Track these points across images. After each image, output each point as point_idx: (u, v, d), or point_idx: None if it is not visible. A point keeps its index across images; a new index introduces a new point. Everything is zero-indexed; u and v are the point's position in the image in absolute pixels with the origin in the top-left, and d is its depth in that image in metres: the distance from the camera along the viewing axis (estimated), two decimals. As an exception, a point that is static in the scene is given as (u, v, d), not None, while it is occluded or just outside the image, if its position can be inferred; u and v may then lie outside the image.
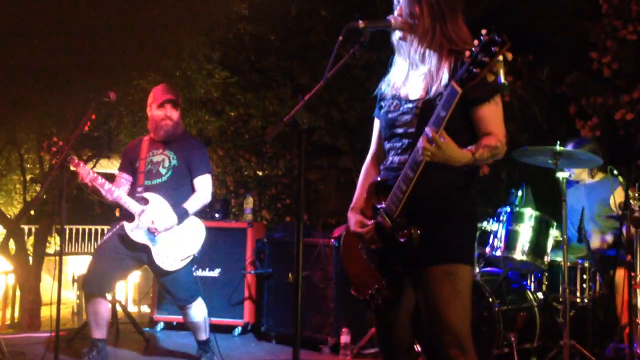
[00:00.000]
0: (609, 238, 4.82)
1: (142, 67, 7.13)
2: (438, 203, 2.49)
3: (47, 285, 8.49)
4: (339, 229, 5.64)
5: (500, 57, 2.14)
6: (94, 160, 8.76)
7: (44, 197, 8.41)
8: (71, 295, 8.65)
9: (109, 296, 4.67)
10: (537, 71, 6.92)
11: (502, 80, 2.19)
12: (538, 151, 4.46)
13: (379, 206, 2.55)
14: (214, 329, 4.85)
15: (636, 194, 4.20)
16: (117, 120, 7.93)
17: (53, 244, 11.41)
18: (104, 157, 9.20)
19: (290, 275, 5.63)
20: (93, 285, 4.42)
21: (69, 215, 3.92)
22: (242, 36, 7.96)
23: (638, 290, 4.15)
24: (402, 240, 2.43)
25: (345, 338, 5.15)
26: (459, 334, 2.39)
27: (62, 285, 4.04)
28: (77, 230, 14.96)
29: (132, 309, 7.92)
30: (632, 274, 4.17)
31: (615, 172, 4.42)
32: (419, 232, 2.42)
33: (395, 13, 2.58)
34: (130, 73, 7.08)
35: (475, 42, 2.15)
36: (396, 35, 2.60)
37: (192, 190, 4.57)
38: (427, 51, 2.54)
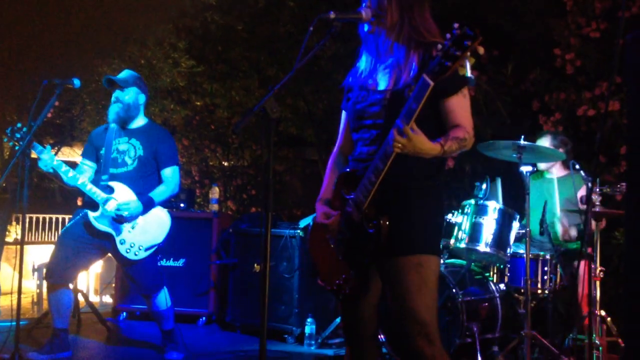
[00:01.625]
0: (573, 232, 4.92)
1: (106, 54, 7.03)
2: (407, 194, 2.51)
3: (6, 275, 8.33)
4: (304, 220, 5.65)
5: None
6: (56, 147, 8.61)
7: (4, 184, 8.24)
8: (31, 285, 8.49)
9: (70, 286, 4.60)
10: (501, 67, 7.00)
11: (469, 74, 2.22)
12: (502, 145, 4.52)
13: (347, 197, 2.57)
14: (179, 319, 4.82)
15: (597, 189, 4.29)
16: (80, 108, 7.80)
17: (13, 233, 11.20)
18: (66, 145, 9.04)
19: (256, 265, 5.63)
20: (56, 275, 4.36)
21: (29, 204, 3.85)
22: (209, 25, 7.88)
23: (597, 282, 4.24)
24: (370, 230, 2.45)
25: (310, 328, 5.17)
26: (426, 324, 2.42)
27: (22, 274, 3.98)
28: (38, 218, 14.69)
29: (94, 298, 7.83)
30: (592, 266, 4.27)
31: (578, 166, 4.50)
32: (387, 222, 2.44)
33: (364, 5, 2.59)
34: (94, 60, 6.97)
35: (448, 35, 2.17)
36: (365, 27, 2.61)
37: (159, 180, 4.53)
38: (395, 43, 2.57)
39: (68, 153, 10.06)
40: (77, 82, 4.22)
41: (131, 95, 4.53)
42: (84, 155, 4.63)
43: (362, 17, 2.56)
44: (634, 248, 1.84)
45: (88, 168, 4.56)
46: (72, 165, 4.47)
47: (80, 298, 5.63)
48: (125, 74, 4.61)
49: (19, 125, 4.28)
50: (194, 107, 9.09)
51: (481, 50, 2.16)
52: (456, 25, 2.16)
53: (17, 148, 4.21)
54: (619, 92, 5.68)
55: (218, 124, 9.67)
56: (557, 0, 6.48)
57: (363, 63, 2.70)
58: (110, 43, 6.82)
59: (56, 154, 8.44)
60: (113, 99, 4.53)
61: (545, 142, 5.02)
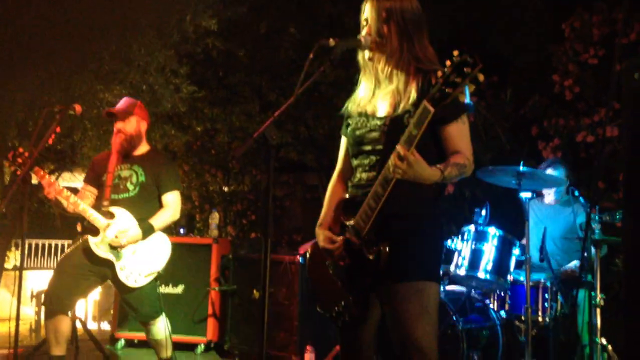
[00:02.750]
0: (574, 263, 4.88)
1: (107, 80, 7.06)
2: (406, 220, 2.51)
3: (4, 301, 8.29)
4: (304, 246, 5.63)
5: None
6: (57, 173, 8.61)
7: (4, 210, 8.23)
8: (29, 312, 8.46)
9: (69, 313, 4.57)
10: (500, 92, 7.04)
11: (468, 100, 2.23)
12: (502, 171, 4.52)
13: (347, 223, 2.57)
14: (177, 346, 4.78)
15: (596, 216, 4.28)
16: (81, 134, 7.82)
17: (12, 259, 11.16)
18: (67, 171, 9.04)
19: (255, 292, 5.60)
20: (54, 302, 4.32)
21: (29, 229, 3.85)
22: (210, 51, 7.94)
23: (598, 310, 4.22)
24: (371, 257, 2.44)
25: (309, 356, 5.13)
26: (427, 352, 2.40)
27: (20, 301, 3.95)
28: (37, 244, 14.65)
29: (92, 325, 7.78)
30: (593, 293, 4.24)
31: (577, 193, 4.50)
32: (387, 248, 2.43)
33: (364, 32, 2.61)
34: (96, 86, 7.00)
35: (448, 62, 2.19)
36: (365, 54, 2.63)
37: (160, 206, 4.52)
38: (395, 70, 2.58)
39: (69, 178, 10.06)
40: (78, 108, 4.24)
41: (132, 124, 4.52)
42: (85, 181, 4.63)
43: (362, 44, 2.58)
44: (633, 275, 1.84)
45: (89, 194, 4.56)
46: (73, 190, 4.47)
47: (78, 325, 5.59)
48: (124, 103, 4.58)
49: (20, 150, 4.29)
50: (195, 132, 9.12)
51: (481, 77, 2.18)
52: (456, 52, 2.18)
53: (18, 173, 4.21)
54: (617, 118, 5.70)
55: (219, 149, 9.69)
56: (555, 27, 6.54)
57: (362, 90, 2.71)
58: (112, 69, 6.86)
59: (57, 179, 8.44)
60: (115, 130, 4.51)
61: (555, 171, 4.99)
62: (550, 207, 5.17)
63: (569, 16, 6.45)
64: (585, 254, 4.22)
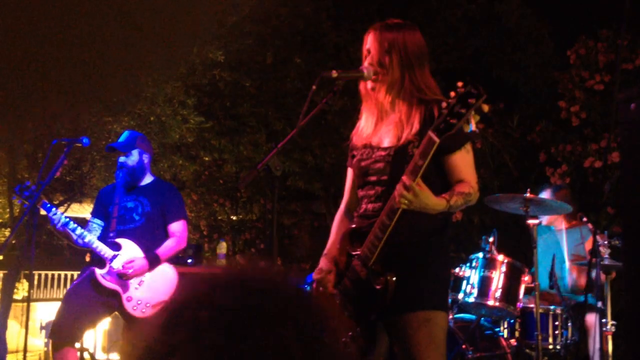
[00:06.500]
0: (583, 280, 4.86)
1: (116, 111, 7.12)
2: (413, 250, 2.51)
3: (14, 332, 8.28)
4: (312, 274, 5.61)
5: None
6: (66, 204, 8.67)
7: (13, 241, 8.27)
8: (39, 343, 8.43)
9: (77, 344, 4.56)
10: (507, 119, 7.06)
11: (474, 128, 2.24)
12: (509, 198, 4.51)
13: (353, 253, 2.57)
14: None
15: (605, 241, 4.26)
16: (90, 165, 7.88)
17: (21, 290, 11.17)
18: (76, 202, 9.10)
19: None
20: (61, 334, 4.31)
21: (37, 260, 3.87)
22: (217, 82, 8.02)
23: (609, 337, 4.17)
24: (377, 287, 2.44)
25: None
26: (435, 382, 2.39)
27: (29, 332, 3.95)
28: (46, 275, 14.68)
29: (101, 356, 7.75)
30: (603, 320, 4.20)
31: (585, 219, 4.48)
32: (394, 279, 2.43)
33: (366, 62, 2.63)
34: (105, 117, 7.07)
35: (452, 93, 2.20)
36: (367, 84, 2.65)
37: (166, 236, 4.53)
38: (397, 100, 2.59)
39: (77, 210, 10.12)
40: (86, 140, 4.28)
41: (135, 158, 4.54)
42: (93, 214, 4.66)
43: (364, 75, 2.60)
44: (635, 301, 1.82)
45: (97, 226, 4.57)
46: (82, 221, 4.49)
47: (86, 356, 5.57)
48: (125, 137, 4.60)
49: (27, 183, 4.32)
50: (203, 162, 9.18)
51: (486, 108, 2.19)
52: (460, 84, 2.19)
53: (25, 206, 4.24)
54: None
55: (227, 178, 9.73)
56: (560, 53, 6.57)
57: (364, 121, 2.72)
58: (120, 100, 6.92)
59: (66, 210, 8.48)
60: (118, 165, 4.53)
61: (545, 195, 4.98)
62: (559, 234, 5.14)
63: (573, 43, 6.50)
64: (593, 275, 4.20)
